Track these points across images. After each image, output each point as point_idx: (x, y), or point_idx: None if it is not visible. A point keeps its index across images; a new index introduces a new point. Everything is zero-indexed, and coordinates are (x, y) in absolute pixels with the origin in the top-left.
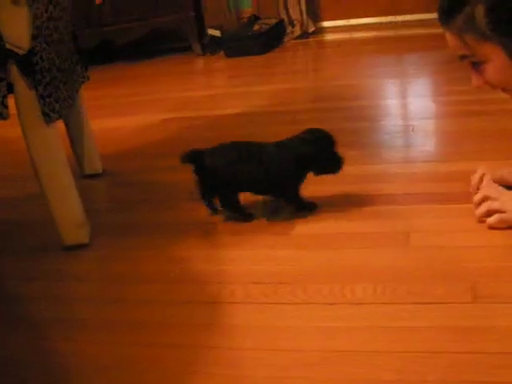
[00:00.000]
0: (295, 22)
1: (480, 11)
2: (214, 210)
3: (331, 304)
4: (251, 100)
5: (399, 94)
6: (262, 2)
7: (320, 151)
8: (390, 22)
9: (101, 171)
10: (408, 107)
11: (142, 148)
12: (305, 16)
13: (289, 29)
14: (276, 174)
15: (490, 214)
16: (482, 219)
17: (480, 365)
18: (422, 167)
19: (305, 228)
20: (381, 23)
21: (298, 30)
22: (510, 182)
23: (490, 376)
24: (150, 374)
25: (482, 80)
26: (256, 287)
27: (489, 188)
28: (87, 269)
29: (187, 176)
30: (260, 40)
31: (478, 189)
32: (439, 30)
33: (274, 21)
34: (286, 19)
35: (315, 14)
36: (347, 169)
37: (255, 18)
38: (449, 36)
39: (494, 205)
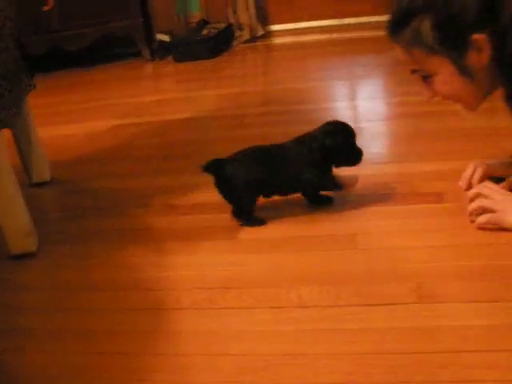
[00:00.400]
0: (244, 26)
1: (426, 25)
2: (261, 221)
3: (277, 308)
4: (200, 104)
5: (348, 96)
6: (211, 6)
7: (342, 143)
8: (338, 25)
9: (49, 179)
10: (356, 109)
11: (92, 155)
12: (253, 20)
13: (237, 33)
14: (299, 170)
15: (480, 211)
16: (472, 218)
17: (425, 364)
18: (370, 169)
19: (251, 232)
20: (329, 26)
21: (246, 34)
22: (500, 173)
23: (435, 375)
24: (98, 382)
25: (431, 93)
26: (202, 293)
27: (483, 186)
28: (35, 278)
29: (135, 182)
30: (209, 44)
31: (469, 183)
32: (384, 33)
33: (222, 25)
34: (234, 23)
35: (264, 18)
36: None
37: (204, 23)
38: (398, 50)
39: (486, 202)
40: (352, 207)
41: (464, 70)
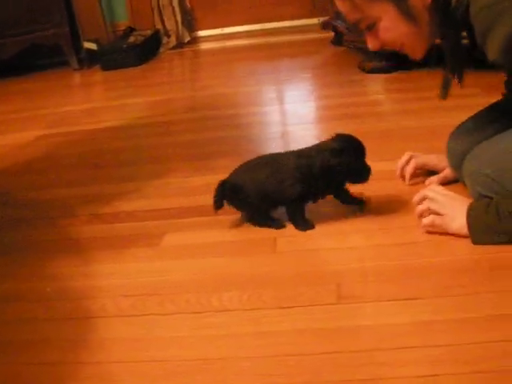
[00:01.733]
0: (170, 33)
1: None
2: (278, 223)
3: (199, 313)
4: (127, 112)
5: (273, 100)
6: (138, 13)
7: (349, 162)
8: (263, 30)
9: None
10: (281, 114)
11: (20, 165)
12: (180, 26)
13: (164, 39)
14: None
15: (428, 214)
16: (420, 218)
17: (344, 364)
18: None
19: (174, 239)
20: (254, 31)
21: (173, 41)
22: (434, 167)
23: (354, 374)
24: None
25: (377, 42)
26: (126, 300)
27: (429, 189)
28: None
29: (63, 192)
30: (136, 52)
31: (402, 171)
32: (310, 36)
33: (149, 32)
34: (161, 30)
35: (190, 24)
36: (216, 178)
37: (131, 30)
38: (339, 2)
39: (433, 205)
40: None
41: (407, 13)
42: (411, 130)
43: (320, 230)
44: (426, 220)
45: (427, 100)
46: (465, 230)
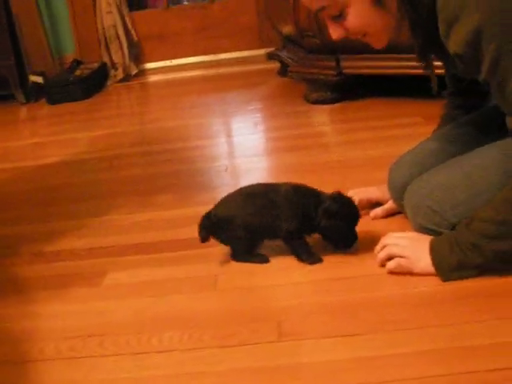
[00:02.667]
0: (118, 65)
1: None
2: (264, 259)
3: (139, 354)
4: (73, 147)
5: (221, 133)
6: (84, 46)
7: (338, 228)
8: (211, 61)
9: None
10: (226, 147)
11: None
12: (127, 59)
13: (112, 72)
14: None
15: (390, 258)
16: (383, 264)
17: None
18: None
19: (115, 277)
20: (202, 62)
21: (120, 73)
22: (378, 200)
23: None
24: None
25: (341, 30)
26: (65, 342)
27: (387, 237)
28: None
29: (3, 230)
30: (82, 85)
31: None
32: (257, 67)
33: (96, 65)
34: (108, 62)
35: (137, 57)
36: (158, 214)
37: (77, 63)
38: None
39: (394, 250)
40: (212, 247)
41: (376, 0)
42: (355, 161)
43: (261, 265)
44: (391, 264)
45: (371, 130)
46: (431, 269)
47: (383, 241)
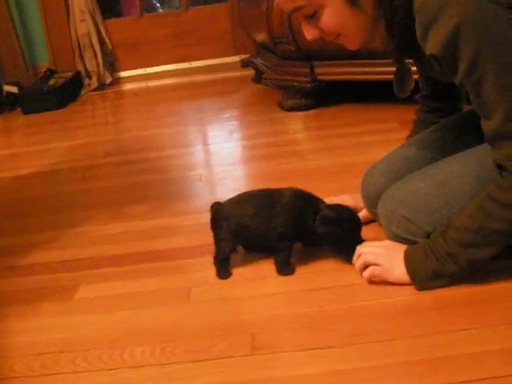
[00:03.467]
0: (92, 74)
1: None
2: (226, 274)
3: (111, 369)
4: (48, 158)
5: (196, 141)
6: (58, 55)
7: (336, 234)
8: (186, 69)
9: None
10: (201, 156)
11: None
12: (101, 67)
13: (86, 81)
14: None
15: (366, 266)
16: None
17: None
18: (206, 218)
19: (88, 291)
20: (177, 70)
21: (95, 82)
22: (352, 205)
23: None
24: None
25: (316, 31)
26: (37, 359)
27: (362, 246)
28: None
29: None
30: (57, 94)
31: None
32: (232, 74)
33: (70, 74)
34: (82, 71)
35: (112, 65)
36: (133, 225)
37: (51, 72)
38: None
39: (369, 258)
40: (185, 259)
41: (352, 1)
42: (330, 169)
43: (235, 276)
44: (366, 273)
45: (346, 137)
46: (405, 278)
47: (359, 249)
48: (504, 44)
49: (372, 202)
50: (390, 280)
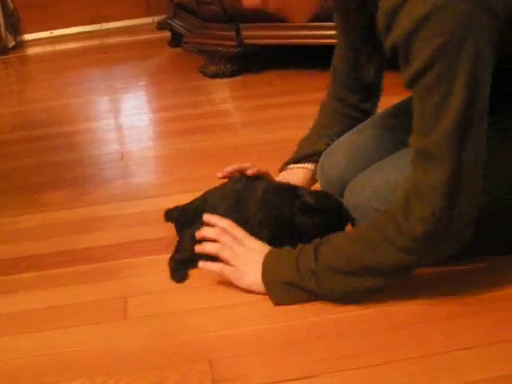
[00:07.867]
0: None
1: None
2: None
3: None
4: None
5: (109, 113)
6: None
7: (316, 227)
8: (96, 31)
9: None
10: (118, 130)
11: None
12: (3, 30)
13: None
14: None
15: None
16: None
17: None
18: (135, 206)
19: (1, 304)
20: (88, 32)
21: None
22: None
23: None
24: None
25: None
26: None
27: (227, 226)
28: None
29: None
30: None
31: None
32: (146, 37)
33: None
34: None
35: (15, 27)
36: (49, 217)
37: None
38: None
39: (225, 253)
40: (117, 259)
41: None
42: (268, 145)
43: (183, 283)
44: (216, 266)
45: (281, 107)
46: (256, 287)
47: (219, 230)
48: (475, 61)
49: (333, 188)
50: (240, 286)
